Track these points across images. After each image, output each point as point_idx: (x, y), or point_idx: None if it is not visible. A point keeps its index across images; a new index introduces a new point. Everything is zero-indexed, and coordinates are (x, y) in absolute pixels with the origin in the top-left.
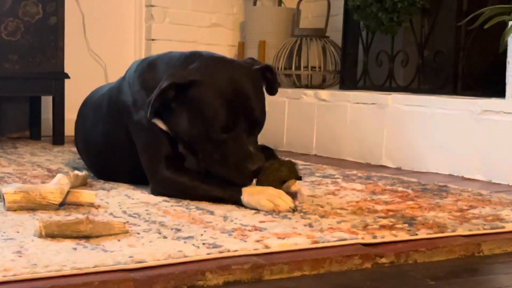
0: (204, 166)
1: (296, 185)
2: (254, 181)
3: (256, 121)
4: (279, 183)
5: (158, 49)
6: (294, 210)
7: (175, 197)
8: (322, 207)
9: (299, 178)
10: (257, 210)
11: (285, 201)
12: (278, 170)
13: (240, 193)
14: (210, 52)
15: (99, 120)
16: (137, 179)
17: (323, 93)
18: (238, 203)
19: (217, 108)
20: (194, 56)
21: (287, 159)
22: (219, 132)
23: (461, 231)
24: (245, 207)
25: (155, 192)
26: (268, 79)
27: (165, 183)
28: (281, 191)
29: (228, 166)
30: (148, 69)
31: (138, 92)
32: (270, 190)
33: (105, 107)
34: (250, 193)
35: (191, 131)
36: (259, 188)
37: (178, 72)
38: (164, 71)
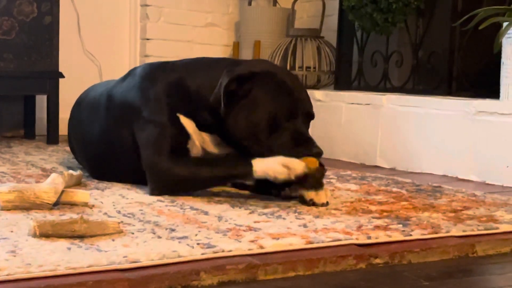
0: None
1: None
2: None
3: (310, 111)
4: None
5: (153, 48)
6: (308, 170)
7: (178, 190)
8: (316, 207)
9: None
10: (274, 179)
11: (298, 164)
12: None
13: (250, 165)
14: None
15: (97, 118)
16: (135, 179)
17: (318, 93)
18: (249, 176)
19: (281, 96)
20: (222, 60)
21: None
22: (284, 118)
23: (455, 231)
24: (256, 181)
25: (155, 191)
26: None
27: (166, 176)
28: (291, 157)
29: (290, 151)
30: (161, 71)
31: (154, 92)
32: (280, 158)
33: (103, 107)
34: (263, 163)
35: (254, 121)
36: (268, 158)
37: (233, 68)
38: (201, 72)
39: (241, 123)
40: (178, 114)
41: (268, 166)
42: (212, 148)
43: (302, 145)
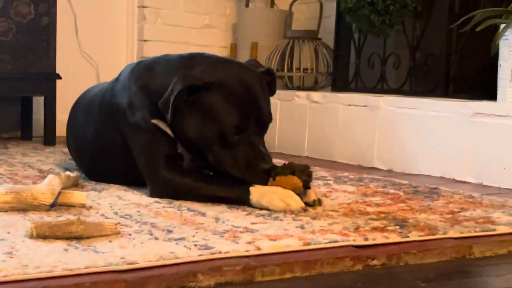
0: (209, 168)
1: (314, 194)
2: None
3: (265, 123)
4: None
5: (150, 50)
6: (305, 209)
7: (176, 199)
8: (314, 209)
9: (306, 184)
10: (267, 209)
11: (296, 201)
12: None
13: (248, 193)
14: (210, 53)
15: (91, 121)
16: (129, 180)
17: (315, 95)
18: (245, 203)
19: (230, 110)
20: (196, 58)
21: (301, 164)
22: (232, 134)
23: (452, 233)
24: (252, 207)
25: (155, 194)
26: (268, 82)
27: (166, 184)
28: (290, 191)
29: (241, 166)
30: (145, 71)
31: (136, 94)
32: (280, 190)
33: (97, 109)
34: (260, 193)
35: (202, 133)
36: (268, 187)
37: (188, 73)
38: (164, 73)
39: (190, 133)
40: (153, 120)
41: (265, 198)
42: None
43: (253, 160)
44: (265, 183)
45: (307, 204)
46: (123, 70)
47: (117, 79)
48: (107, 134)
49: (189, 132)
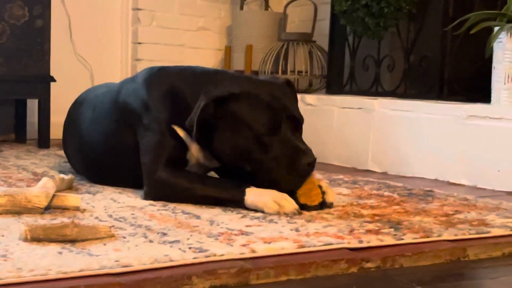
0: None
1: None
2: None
3: (298, 120)
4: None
5: (144, 52)
6: (299, 212)
7: (171, 201)
8: (324, 206)
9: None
10: (262, 211)
11: (290, 203)
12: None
13: (243, 194)
14: (231, 71)
15: (98, 120)
16: (136, 183)
17: (310, 98)
18: (240, 204)
19: (260, 114)
20: (219, 73)
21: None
22: (266, 135)
23: (446, 236)
24: (247, 208)
25: (149, 197)
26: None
27: (161, 185)
28: (285, 194)
29: (282, 166)
30: (170, 79)
31: (156, 98)
32: (275, 193)
33: (106, 109)
34: (255, 195)
35: (237, 143)
36: (263, 190)
37: (212, 89)
38: (188, 85)
39: (225, 147)
40: (173, 125)
41: (260, 199)
42: (205, 161)
43: (292, 156)
44: (308, 175)
45: (323, 204)
46: (142, 73)
47: (132, 80)
48: (118, 134)
49: (224, 146)
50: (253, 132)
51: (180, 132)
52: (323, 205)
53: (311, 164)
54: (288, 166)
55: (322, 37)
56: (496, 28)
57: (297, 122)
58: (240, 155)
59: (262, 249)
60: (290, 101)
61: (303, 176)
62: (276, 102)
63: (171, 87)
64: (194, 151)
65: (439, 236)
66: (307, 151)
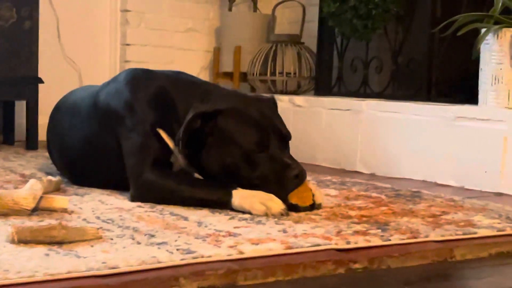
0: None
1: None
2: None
3: (285, 137)
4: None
5: (133, 54)
6: (286, 213)
7: (158, 202)
8: (296, 212)
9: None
10: (249, 213)
11: (277, 204)
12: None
13: (230, 195)
14: (221, 85)
15: (80, 123)
16: (119, 184)
17: (298, 99)
18: (227, 205)
19: (248, 130)
20: (208, 89)
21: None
22: (254, 152)
23: (433, 236)
24: (234, 210)
25: (136, 199)
26: None
27: (148, 187)
28: (272, 195)
29: (269, 184)
30: (156, 82)
31: (141, 100)
32: (262, 194)
33: (87, 111)
34: (242, 196)
35: (225, 160)
36: (250, 191)
37: (200, 105)
38: (177, 94)
39: (213, 163)
40: (158, 129)
41: (246, 201)
42: (187, 168)
43: (290, 175)
44: (296, 187)
45: (313, 206)
46: (122, 74)
47: (113, 81)
48: (100, 136)
49: (212, 162)
50: (242, 149)
51: (164, 136)
52: (313, 206)
53: (299, 175)
54: (277, 183)
55: (310, 38)
56: (483, 30)
57: (284, 138)
58: (228, 171)
59: (249, 250)
60: (277, 117)
61: (291, 189)
62: (265, 119)
63: (159, 91)
64: (178, 156)
65: (426, 237)
66: (294, 165)
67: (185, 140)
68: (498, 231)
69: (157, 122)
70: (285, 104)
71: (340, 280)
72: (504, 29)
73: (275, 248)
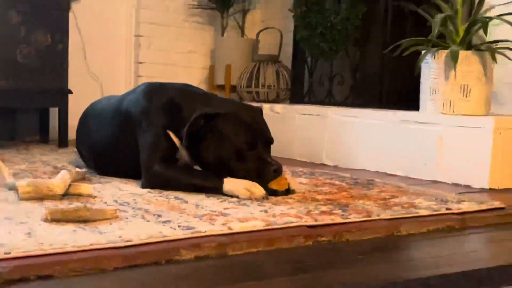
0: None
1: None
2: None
3: (270, 141)
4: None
5: (144, 70)
6: (266, 197)
7: (164, 189)
8: (275, 196)
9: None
10: (237, 197)
11: (259, 190)
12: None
13: (222, 182)
14: (221, 96)
15: (104, 125)
16: (133, 174)
17: (277, 107)
18: (219, 191)
19: (241, 132)
20: (211, 98)
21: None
22: (245, 150)
23: (384, 215)
24: (224, 194)
25: (146, 186)
26: None
27: (156, 177)
28: (255, 183)
29: (253, 177)
30: (168, 94)
31: (156, 108)
32: (247, 182)
33: (111, 115)
34: (231, 183)
35: (220, 153)
36: (238, 180)
37: (203, 109)
38: (185, 103)
39: (210, 155)
40: (168, 131)
41: (234, 187)
42: (190, 161)
43: (270, 167)
44: (274, 178)
45: (288, 191)
46: (141, 87)
47: (133, 92)
48: (121, 135)
49: (209, 154)
50: (235, 147)
51: (173, 136)
52: (289, 191)
53: (277, 170)
54: (258, 176)
55: (286, 58)
56: (423, 52)
57: (268, 142)
58: (221, 163)
59: (237, 227)
60: (264, 124)
61: (270, 180)
62: (255, 124)
63: (169, 100)
64: (183, 153)
65: (378, 216)
66: (274, 163)
67: (188, 135)
68: (434, 211)
69: (167, 125)
70: (266, 111)
71: (309, 251)
72: (440, 51)
73: (258, 225)
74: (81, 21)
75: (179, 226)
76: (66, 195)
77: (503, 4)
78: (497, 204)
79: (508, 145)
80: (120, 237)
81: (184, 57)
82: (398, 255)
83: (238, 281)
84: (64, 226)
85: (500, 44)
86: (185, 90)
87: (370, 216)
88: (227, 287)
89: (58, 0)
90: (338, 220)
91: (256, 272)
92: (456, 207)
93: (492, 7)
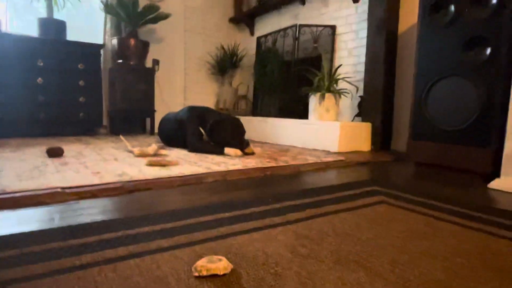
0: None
1: (251, 150)
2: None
3: (243, 132)
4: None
5: (189, 99)
6: (242, 156)
7: (197, 152)
8: (246, 155)
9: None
10: (229, 155)
11: (240, 153)
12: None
13: (223, 149)
14: (223, 113)
15: (170, 124)
16: (184, 145)
17: (246, 117)
18: (222, 153)
19: (231, 128)
20: (219, 114)
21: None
22: (236, 137)
23: (293, 163)
24: (224, 155)
25: (189, 151)
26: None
27: (194, 146)
28: (238, 149)
29: (237, 146)
30: (198, 111)
31: (193, 117)
32: (234, 149)
33: (173, 120)
34: (227, 150)
35: (224, 138)
36: (230, 148)
37: (213, 118)
38: (205, 116)
39: (218, 138)
40: (199, 127)
41: (228, 151)
42: (208, 140)
43: (244, 143)
44: (246, 147)
45: (248, 153)
46: (186, 108)
47: (181, 110)
48: (178, 129)
49: (218, 137)
50: (231, 135)
51: (202, 130)
52: (252, 153)
53: (247, 144)
54: (239, 146)
55: (250, 95)
56: (310, 93)
57: (243, 132)
58: (223, 141)
59: (230, 167)
60: (241, 125)
61: (244, 148)
62: (237, 124)
63: (199, 114)
64: (205, 137)
65: (287, 163)
66: (246, 141)
67: (208, 129)
68: (315, 161)
69: (198, 124)
70: (242, 119)
71: (261, 178)
72: (317, 93)
73: (238, 166)
74: (159, 78)
75: (205, 168)
76: (154, 155)
77: (345, 72)
78: (340, 158)
79: (345, 133)
80: (180, 172)
81: (205, 95)
82: (301, 180)
83: (230, 190)
84: (154, 167)
85: (342, 90)
86: (206, 109)
87: (287, 163)
88: (227, 192)
89: (150, 70)
90: (273, 164)
91: (238, 186)
92: (324, 159)
93: (340, 73)
